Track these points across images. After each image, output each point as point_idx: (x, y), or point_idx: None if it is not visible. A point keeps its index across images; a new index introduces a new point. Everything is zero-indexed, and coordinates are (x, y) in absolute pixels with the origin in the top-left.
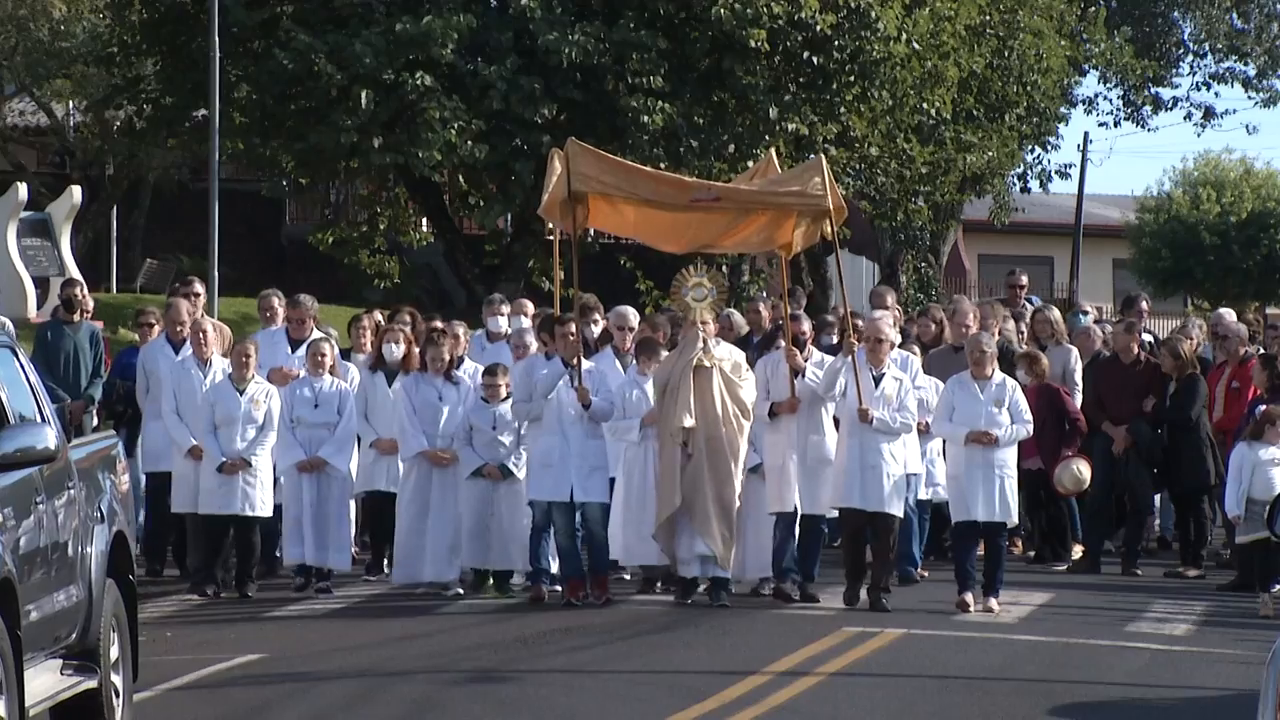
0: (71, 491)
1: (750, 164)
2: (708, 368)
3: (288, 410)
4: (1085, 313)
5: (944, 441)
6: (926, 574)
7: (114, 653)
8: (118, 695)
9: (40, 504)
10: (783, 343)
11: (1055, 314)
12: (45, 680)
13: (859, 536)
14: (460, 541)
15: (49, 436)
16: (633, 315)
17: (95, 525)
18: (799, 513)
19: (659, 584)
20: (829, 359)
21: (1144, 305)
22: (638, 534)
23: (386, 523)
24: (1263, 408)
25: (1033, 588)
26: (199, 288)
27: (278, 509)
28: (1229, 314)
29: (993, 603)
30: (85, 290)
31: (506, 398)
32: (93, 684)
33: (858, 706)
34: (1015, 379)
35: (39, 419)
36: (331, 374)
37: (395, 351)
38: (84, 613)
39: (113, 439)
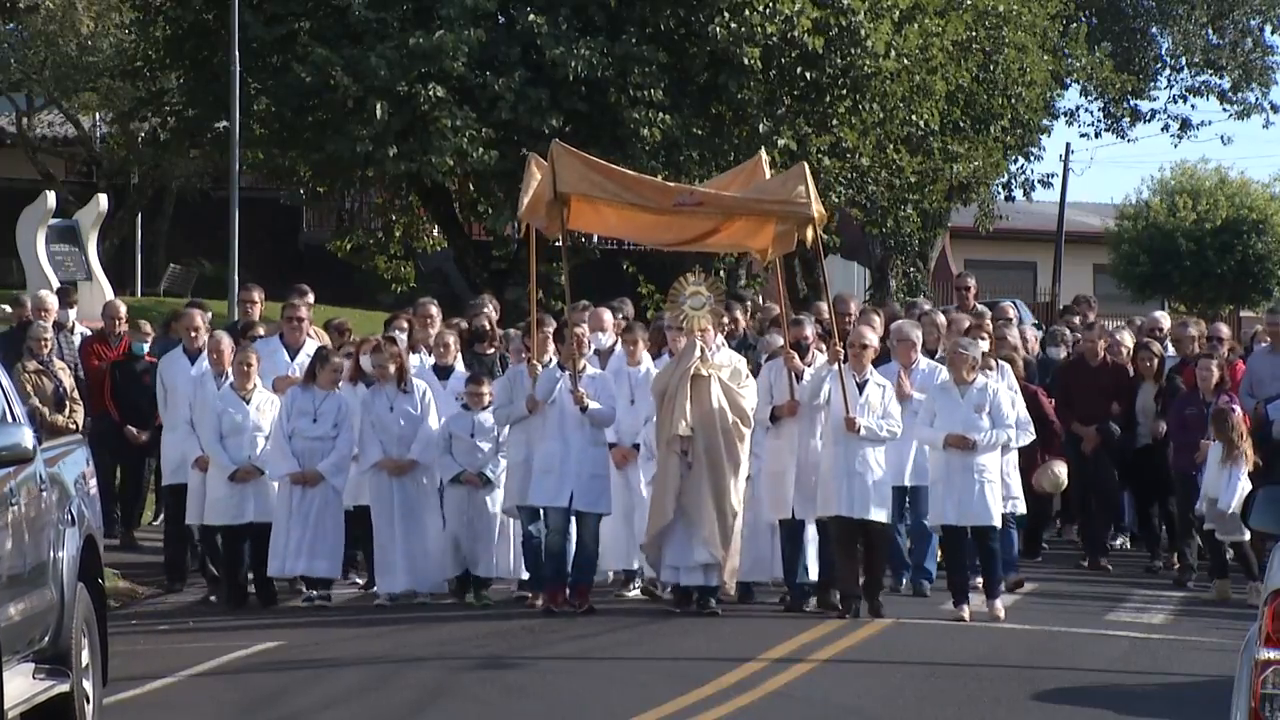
0: (43, 494)
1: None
2: (705, 376)
3: (284, 421)
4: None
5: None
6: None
7: (84, 657)
8: (88, 700)
9: (14, 505)
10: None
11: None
12: (19, 684)
13: (850, 546)
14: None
15: (26, 437)
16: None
17: (66, 529)
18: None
19: (636, 587)
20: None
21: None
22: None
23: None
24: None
25: None
26: (310, 297)
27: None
28: (1165, 318)
29: (998, 605)
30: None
31: (487, 406)
32: (64, 688)
33: (849, 691)
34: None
35: (10, 419)
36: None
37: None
38: (56, 616)
39: (80, 443)
